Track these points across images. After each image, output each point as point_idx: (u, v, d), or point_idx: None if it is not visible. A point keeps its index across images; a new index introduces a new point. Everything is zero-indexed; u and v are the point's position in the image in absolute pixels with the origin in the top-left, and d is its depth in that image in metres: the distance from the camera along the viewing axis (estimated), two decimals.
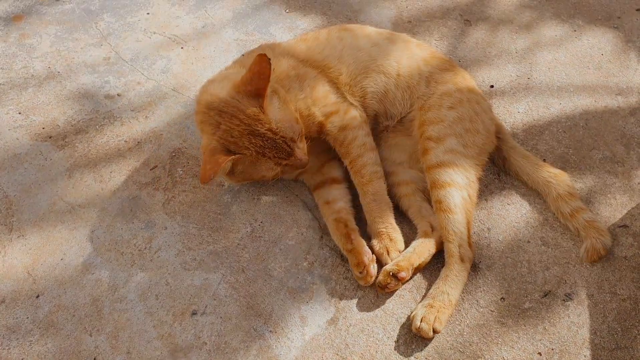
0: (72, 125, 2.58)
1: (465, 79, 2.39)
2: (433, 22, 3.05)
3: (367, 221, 2.19)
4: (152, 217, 2.28)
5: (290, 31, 2.99)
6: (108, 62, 2.85)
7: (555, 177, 2.26)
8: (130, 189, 2.37)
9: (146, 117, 2.61)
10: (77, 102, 2.67)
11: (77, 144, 2.51)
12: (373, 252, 2.10)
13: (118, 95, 2.70)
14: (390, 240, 2.11)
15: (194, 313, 2.03)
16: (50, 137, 2.53)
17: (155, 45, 2.93)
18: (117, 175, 2.41)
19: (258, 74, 2.01)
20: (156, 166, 2.43)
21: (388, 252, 2.09)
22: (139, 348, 1.95)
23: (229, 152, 2.00)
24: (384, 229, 2.13)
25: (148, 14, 3.10)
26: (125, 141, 2.53)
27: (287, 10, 3.11)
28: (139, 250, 2.19)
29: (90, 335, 1.98)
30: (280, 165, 2.07)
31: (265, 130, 2.00)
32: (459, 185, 2.14)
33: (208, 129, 2.04)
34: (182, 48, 2.91)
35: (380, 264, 2.09)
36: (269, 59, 2.00)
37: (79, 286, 2.10)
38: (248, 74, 2.04)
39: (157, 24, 3.04)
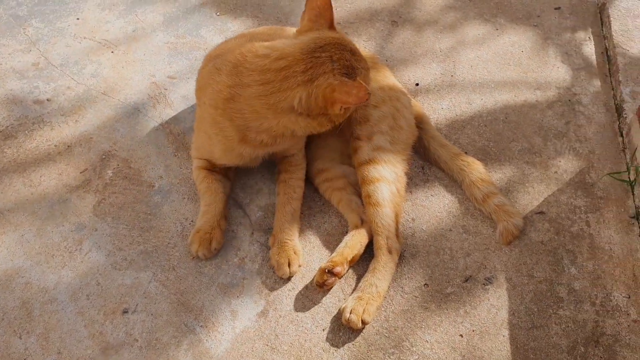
0: (0, 132, 2.56)
1: (386, 76, 2.47)
2: (361, 23, 3.13)
3: (275, 228, 2.22)
4: (83, 219, 2.28)
5: (221, 33, 3.02)
6: (37, 67, 2.84)
7: (468, 165, 2.36)
8: (60, 192, 2.36)
9: (76, 121, 2.61)
10: (5, 108, 2.65)
11: (5, 150, 2.50)
12: (270, 262, 2.16)
13: (47, 100, 2.70)
14: (295, 253, 2.15)
15: (125, 311, 2.05)
16: None
17: (85, 50, 2.93)
18: (47, 179, 2.41)
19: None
20: (86, 169, 2.44)
21: (290, 264, 2.13)
22: (70, 348, 1.96)
23: None
24: (289, 241, 2.17)
25: (78, 19, 3.09)
26: (56, 145, 2.52)
27: (217, 13, 3.15)
28: (70, 253, 2.19)
29: (20, 338, 1.98)
30: None
31: None
32: (387, 180, 2.21)
33: None
34: (112, 52, 2.92)
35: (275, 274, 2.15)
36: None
37: (8, 290, 2.09)
38: None
39: (87, 29, 3.04)
